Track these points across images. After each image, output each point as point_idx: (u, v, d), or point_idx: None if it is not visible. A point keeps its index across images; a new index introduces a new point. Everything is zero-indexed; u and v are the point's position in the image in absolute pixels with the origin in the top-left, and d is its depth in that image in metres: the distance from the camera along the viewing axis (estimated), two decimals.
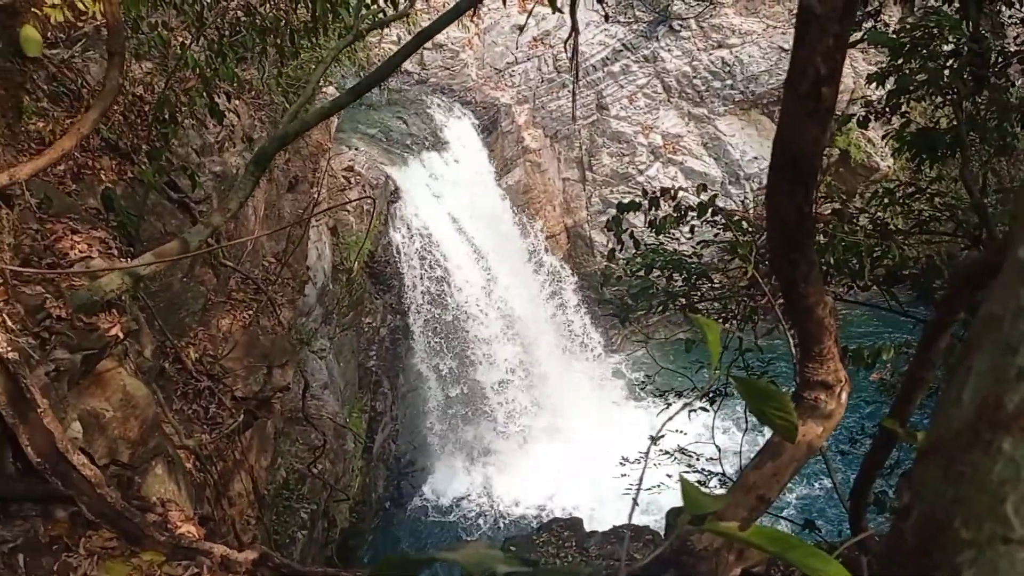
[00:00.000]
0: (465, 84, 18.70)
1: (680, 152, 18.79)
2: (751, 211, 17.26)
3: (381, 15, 5.45)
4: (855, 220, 5.83)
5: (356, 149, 15.43)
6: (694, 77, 18.60)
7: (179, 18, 6.37)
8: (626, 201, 5.33)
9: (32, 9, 2.26)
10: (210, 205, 7.66)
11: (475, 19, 17.52)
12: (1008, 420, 0.51)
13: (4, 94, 2.29)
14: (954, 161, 5.53)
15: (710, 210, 4.88)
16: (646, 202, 4.93)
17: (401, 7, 5.58)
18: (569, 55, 6.43)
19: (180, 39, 7.48)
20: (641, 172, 18.82)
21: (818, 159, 1.60)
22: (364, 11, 5.22)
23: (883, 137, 6.56)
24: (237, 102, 7.19)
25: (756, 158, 18.26)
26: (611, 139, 19.02)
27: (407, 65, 17.43)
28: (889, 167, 17.60)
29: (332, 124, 13.27)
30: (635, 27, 18.77)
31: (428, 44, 17.41)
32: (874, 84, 5.86)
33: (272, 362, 7.19)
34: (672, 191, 4.92)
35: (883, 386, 9.07)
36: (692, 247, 6.87)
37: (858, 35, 5.36)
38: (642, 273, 6.56)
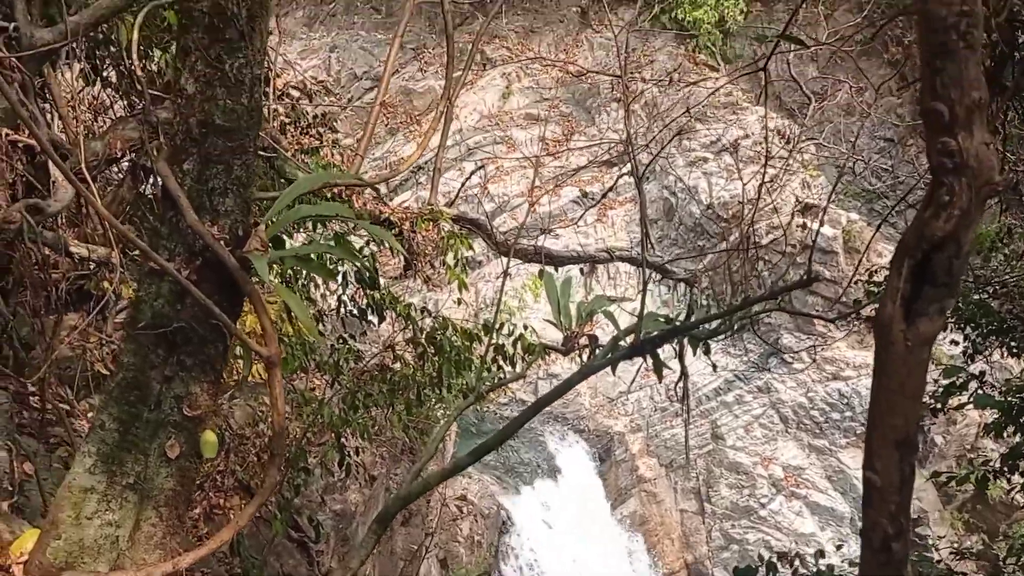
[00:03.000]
0: (578, 413, 19.18)
1: (803, 485, 18.15)
2: None
3: (500, 376, 5.96)
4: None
5: (470, 477, 15.73)
6: (811, 408, 18.50)
7: (318, 373, 7.14)
8: (752, 541, 5.22)
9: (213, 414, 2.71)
10: (328, 544, 7.89)
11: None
12: None
13: (180, 489, 2.67)
14: None
15: None
16: (763, 568, 4.82)
17: (519, 367, 6.10)
18: (680, 395, 6.71)
19: (317, 386, 8.26)
20: (763, 506, 18.13)
21: None
22: (485, 373, 5.74)
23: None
24: (364, 450, 7.69)
25: None
26: (729, 470, 18.66)
27: (521, 394, 18.19)
28: None
29: (447, 451, 13.74)
30: (746, 358, 19.22)
31: (543, 374, 18.29)
32: (992, 434, 5.81)
33: None
34: (789, 556, 4.82)
35: None
36: None
37: (963, 398, 5.43)
38: None
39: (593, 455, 18.05)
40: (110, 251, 5.14)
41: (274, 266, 3.27)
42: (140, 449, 2.64)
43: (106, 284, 5.41)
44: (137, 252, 3.16)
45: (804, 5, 17.04)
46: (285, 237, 4.27)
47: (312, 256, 2.95)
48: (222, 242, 2.62)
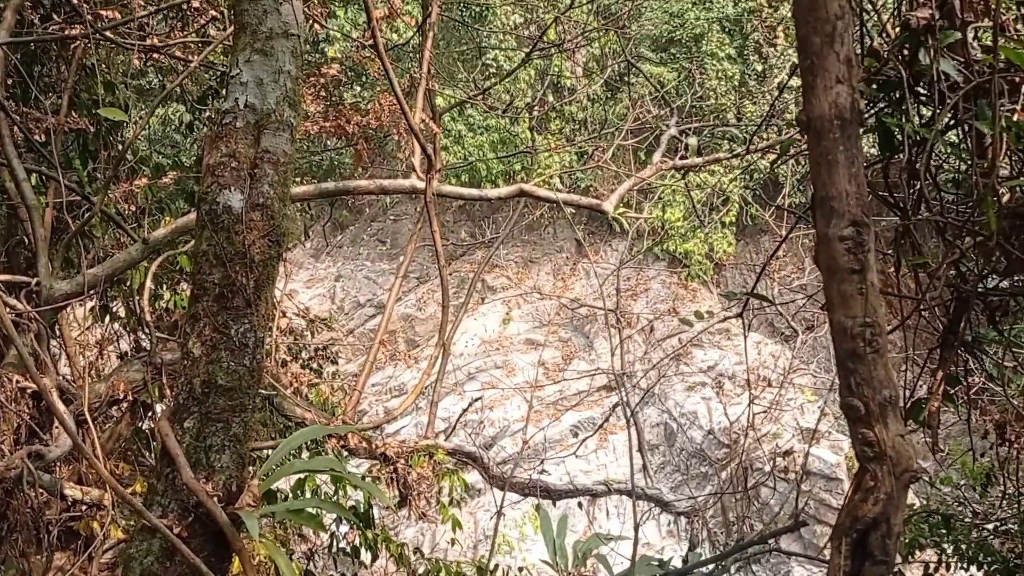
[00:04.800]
0: None
1: None
2: None
3: None
4: None
5: None
6: None
7: None
8: None
9: None
10: None
11: None
12: None
13: None
14: None
15: None
16: None
17: None
18: None
19: None
20: None
21: None
22: None
23: None
24: None
25: None
26: None
27: None
28: None
29: None
30: None
31: None
32: None
33: None
34: None
35: None
36: None
37: None
38: None
39: None
40: (103, 493, 5.18)
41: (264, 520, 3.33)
42: None
43: (96, 525, 5.40)
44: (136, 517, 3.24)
45: (789, 240, 18.00)
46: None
47: (304, 508, 3.03)
48: (216, 498, 2.72)
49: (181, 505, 2.74)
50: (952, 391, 3.18)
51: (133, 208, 6.92)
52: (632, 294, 21.17)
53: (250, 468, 3.10)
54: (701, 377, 19.64)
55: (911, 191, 2.64)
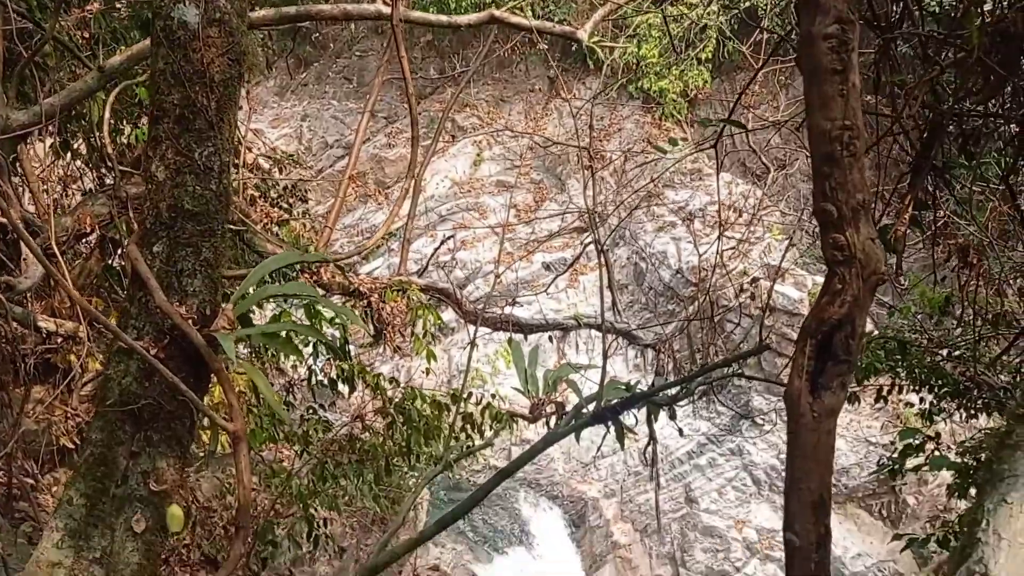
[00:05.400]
0: (552, 478, 19.10)
1: (777, 548, 18.09)
2: None
3: (468, 444, 6.03)
4: None
5: (442, 546, 15.54)
6: (783, 470, 18.56)
7: (287, 444, 7.14)
8: None
9: (180, 491, 2.78)
10: None
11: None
12: None
13: (146, 563, 2.71)
14: None
15: None
16: None
17: (487, 435, 6.17)
18: (649, 461, 6.82)
19: (286, 457, 8.24)
20: (738, 570, 18.03)
21: None
22: (453, 442, 5.81)
23: None
24: (332, 521, 7.66)
25: (859, 555, 17.40)
26: (703, 534, 18.59)
27: (494, 461, 18.10)
28: None
29: (420, 520, 13.60)
30: (717, 421, 19.34)
31: (516, 440, 18.25)
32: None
33: None
34: None
35: None
36: None
37: (920, 460, 5.58)
38: None
39: (567, 521, 17.92)
40: (77, 325, 5.21)
41: (241, 343, 3.37)
42: (107, 524, 2.70)
43: (72, 357, 5.46)
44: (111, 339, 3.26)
45: (764, 76, 17.65)
46: (256, 308, 4.38)
47: (279, 333, 3.06)
48: (190, 321, 2.73)
49: (156, 328, 2.76)
50: (919, 216, 3.21)
51: (87, 36, 6.59)
52: (605, 134, 20.91)
53: (224, 295, 3.10)
54: (672, 218, 19.80)
55: (895, 5, 2.55)
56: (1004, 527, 1.11)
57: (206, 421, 3.40)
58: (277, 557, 7.44)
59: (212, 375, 2.81)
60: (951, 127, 3.28)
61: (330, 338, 7.03)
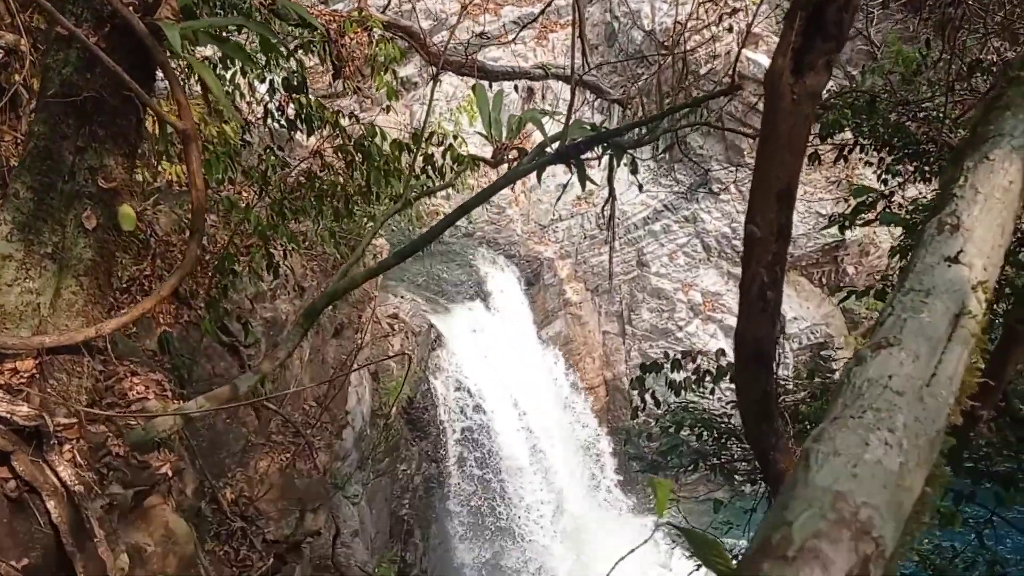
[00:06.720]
0: (510, 238, 19.46)
1: (719, 310, 19.06)
2: (790, 371, 17.28)
3: (429, 184, 5.98)
4: None
5: (401, 297, 16.03)
6: (734, 238, 19.12)
7: (245, 182, 7.03)
8: (660, 358, 5.61)
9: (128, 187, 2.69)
10: (259, 349, 8.08)
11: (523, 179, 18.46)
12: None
13: (100, 260, 2.68)
14: None
15: (728, 375, 5.09)
16: (668, 364, 5.17)
17: (448, 177, 6.12)
18: (606, 222, 6.91)
19: (245, 197, 8.15)
20: (680, 328, 19.06)
21: (773, 348, 1.86)
22: (413, 181, 5.75)
23: None
24: (292, 254, 7.74)
25: (796, 318, 18.43)
26: (651, 295, 19.42)
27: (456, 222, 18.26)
28: None
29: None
30: (676, 189, 19.55)
31: (478, 188, 18.36)
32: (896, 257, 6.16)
33: (305, 506, 7.36)
34: (692, 354, 5.17)
35: None
36: (722, 407, 7.01)
37: (872, 215, 5.70)
38: (672, 430, 6.70)
39: (522, 279, 18.50)
40: (18, 38, 4.86)
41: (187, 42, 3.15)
42: (56, 219, 2.63)
43: (16, 77, 5.15)
44: (47, 24, 3.01)
45: None
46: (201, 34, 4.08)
47: (228, 29, 2.84)
48: (131, 8, 2.51)
49: (95, 14, 2.54)
50: None
51: None
52: None
53: None
54: None
55: None
56: (983, 182, 1.09)
57: (155, 123, 3.25)
58: (239, 291, 7.59)
59: (156, 70, 2.64)
60: None
61: (286, 75, 6.72)
